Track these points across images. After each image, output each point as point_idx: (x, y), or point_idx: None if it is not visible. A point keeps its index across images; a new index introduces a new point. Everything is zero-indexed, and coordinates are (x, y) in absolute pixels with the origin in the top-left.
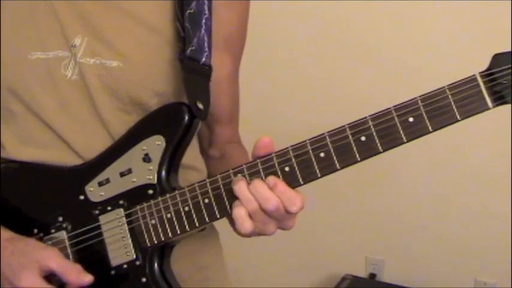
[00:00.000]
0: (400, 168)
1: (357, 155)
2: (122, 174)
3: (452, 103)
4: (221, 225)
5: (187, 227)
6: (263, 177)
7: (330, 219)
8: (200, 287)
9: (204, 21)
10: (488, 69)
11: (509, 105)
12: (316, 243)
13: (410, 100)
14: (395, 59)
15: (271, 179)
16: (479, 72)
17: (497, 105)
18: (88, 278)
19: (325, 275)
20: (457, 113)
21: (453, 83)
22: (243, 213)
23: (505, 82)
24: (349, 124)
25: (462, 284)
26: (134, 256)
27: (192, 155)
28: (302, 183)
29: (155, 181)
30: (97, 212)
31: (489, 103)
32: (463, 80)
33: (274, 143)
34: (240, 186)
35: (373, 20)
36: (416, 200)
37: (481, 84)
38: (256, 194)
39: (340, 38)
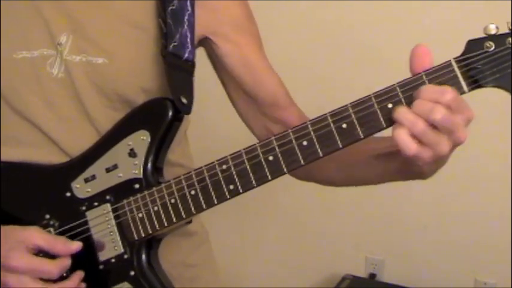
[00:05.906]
0: None
1: (339, 142)
2: (108, 170)
3: None
4: (222, 226)
5: (174, 219)
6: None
7: (329, 220)
8: (190, 285)
9: (186, 17)
10: (463, 54)
11: (509, 105)
12: (316, 243)
13: (389, 87)
14: (395, 57)
15: None
16: (454, 58)
17: (472, 89)
18: (76, 245)
19: (325, 275)
20: None
21: (430, 69)
22: (403, 134)
23: (479, 67)
24: (330, 112)
25: (462, 284)
26: (122, 250)
27: (179, 153)
28: (286, 171)
29: (141, 175)
30: (84, 208)
31: (464, 87)
32: (439, 65)
33: None
34: (401, 111)
35: (372, 18)
36: (416, 200)
37: (456, 70)
38: (421, 111)
39: (339, 37)
